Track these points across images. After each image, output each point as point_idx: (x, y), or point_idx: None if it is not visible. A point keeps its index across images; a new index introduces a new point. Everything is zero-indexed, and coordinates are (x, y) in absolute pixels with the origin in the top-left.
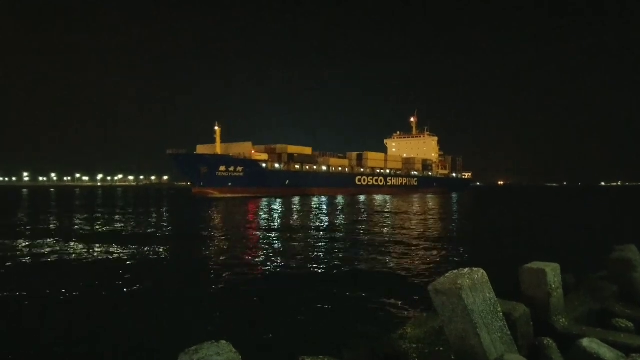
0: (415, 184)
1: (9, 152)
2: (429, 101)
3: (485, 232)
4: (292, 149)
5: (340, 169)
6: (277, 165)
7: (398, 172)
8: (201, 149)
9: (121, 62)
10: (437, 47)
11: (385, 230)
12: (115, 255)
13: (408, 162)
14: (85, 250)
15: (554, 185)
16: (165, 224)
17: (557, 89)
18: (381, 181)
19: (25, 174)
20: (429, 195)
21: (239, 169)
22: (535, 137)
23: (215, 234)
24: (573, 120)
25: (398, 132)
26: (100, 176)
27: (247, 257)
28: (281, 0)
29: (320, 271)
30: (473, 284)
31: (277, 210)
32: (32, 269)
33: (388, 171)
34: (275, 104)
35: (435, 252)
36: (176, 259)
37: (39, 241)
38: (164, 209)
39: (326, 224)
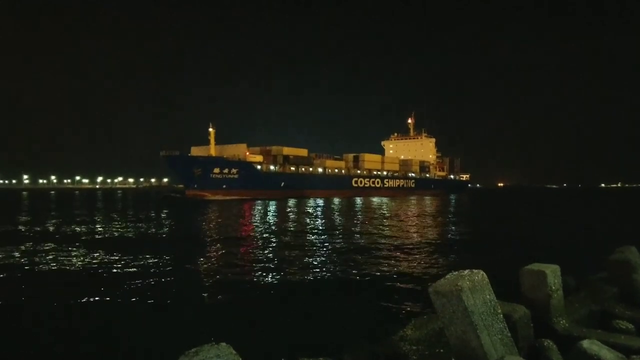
0: (413, 185)
1: (9, 154)
2: (426, 102)
3: (485, 233)
4: (288, 150)
5: (336, 170)
6: (272, 167)
7: (395, 174)
8: (195, 151)
9: (120, 63)
10: (436, 47)
11: (384, 232)
12: (114, 259)
13: (405, 164)
14: (83, 254)
15: (554, 186)
16: (163, 228)
17: (557, 89)
18: (378, 183)
19: (25, 176)
20: (427, 197)
21: (234, 171)
22: (535, 139)
23: (212, 238)
24: (573, 122)
25: (395, 134)
26: (100, 179)
27: (245, 260)
28: (278, 0)
29: (319, 273)
30: (473, 285)
31: (273, 213)
32: (31, 273)
33: (385, 173)
34: (271, 105)
35: (434, 254)
36: (174, 262)
37: (38, 246)
38: (163, 213)
39: (323, 226)
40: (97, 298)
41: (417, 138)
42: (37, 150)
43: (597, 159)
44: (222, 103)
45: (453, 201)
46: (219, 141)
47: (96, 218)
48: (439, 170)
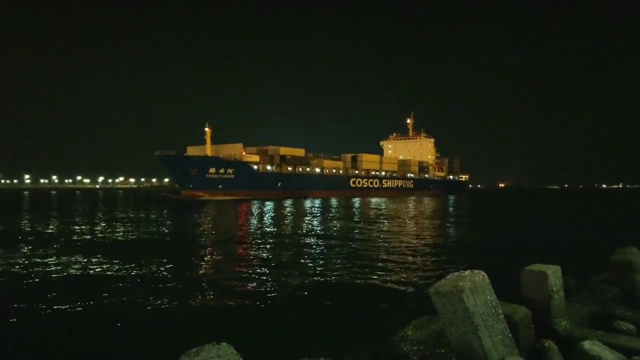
0: (411, 186)
1: (10, 154)
2: (426, 102)
3: (486, 234)
4: (285, 150)
5: (334, 171)
6: (269, 167)
7: (394, 174)
8: (191, 151)
9: (121, 63)
10: (435, 47)
11: (383, 233)
12: (112, 261)
13: (404, 164)
14: (82, 256)
15: (555, 187)
16: (161, 229)
17: (558, 89)
18: (376, 183)
19: (27, 176)
20: (426, 198)
21: (230, 170)
22: (537, 139)
23: (211, 239)
24: (574, 122)
25: (394, 134)
26: (101, 178)
27: (244, 261)
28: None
29: (318, 274)
30: (474, 286)
31: (270, 213)
32: (31, 273)
33: (383, 173)
34: (268, 104)
35: (435, 255)
36: (173, 263)
37: (38, 247)
38: (160, 214)
39: (322, 227)
40: (97, 299)
41: (416, 138)
42: (39, 150)
43: (599, 159)
44: (215, 103)
45: (452, 202)
46: (216, 141)
47: (96, 220)
48: (438, 171)
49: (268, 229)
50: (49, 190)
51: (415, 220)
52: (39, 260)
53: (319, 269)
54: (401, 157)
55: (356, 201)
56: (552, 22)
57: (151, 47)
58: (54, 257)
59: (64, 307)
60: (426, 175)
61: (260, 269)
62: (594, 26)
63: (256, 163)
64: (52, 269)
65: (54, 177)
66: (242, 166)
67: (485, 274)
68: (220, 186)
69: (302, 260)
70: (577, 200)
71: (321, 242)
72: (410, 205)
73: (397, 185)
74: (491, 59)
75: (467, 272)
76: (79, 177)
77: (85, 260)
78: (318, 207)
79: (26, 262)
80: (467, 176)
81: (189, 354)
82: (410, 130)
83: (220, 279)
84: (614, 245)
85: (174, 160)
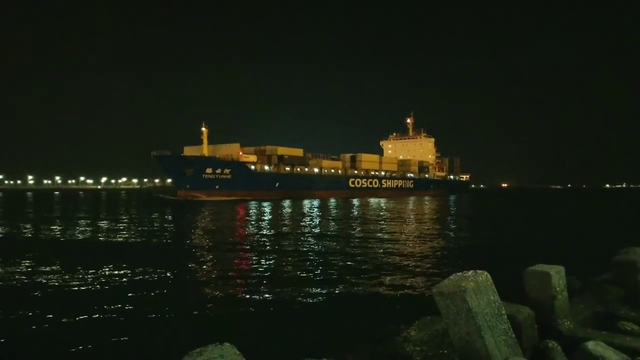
0: (411, 186)
1: (14, 155)
2: (426, 102)
3: (488, 234)
4: (282, 150)
5: (332, 171)
6: (266, 167)
7: (393, 174)
8: (188, 151)
9: (121, 64)
10: (436, 46)
11: (384, 233)
12: (113, 262)
13: (404, 164)
14: (83, 258)
15: (558, 187)
16: (160, 230)
17: (560, 89)
18: (376, 184)
19: (30, 177)
20: (426, 198)
21: (226, 171)
22: (539, 139)
23: (211, 240)
24: (577, 122)
25: (394, 134)
26: (104, 179)
27: (246, 262)
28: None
29: (321, 275)
30: (477, 286)
31: (268, 214)
32: (31, 274)
33: (383, 173)
34: (267, 104)
35: (437, 255)
36: (174, 265)
37: (38, 248)
38: (157, 215)
39: (321, 228)
40: (98, 301)
41: (416, 138)
42: (42, 151)
43: (602, 159)
44: (217, 102)
45: (453, 202)
46: (214, 141)
47: (97, 222)
48: (439, 171)
49: (267, 230)
50: (52, 191)
51: (416, 220)
52: (37, 259)
53: (320, 269)
54: (401, 157)
55: (355, 202)
56: (553, 21)
57: (152, 47)
58: (54, 260)
59: (64, 308)
60: (426, 175)
61: (261, 269)
62: (597, 25)
63: (253, 163)
64: (52, 270)
65: (57, 177)
66: (239, 166)
67: (488, 274)
68: (217, 186)
69: (303, 261)
70: (580, 200)
71: (321, 243)
72: (410, 205)
73: (397, 186)
74: (492, 58)
75: (470, 272)
76: (81, 178)
77: (86, 263)
78: (316, 208)
79: (28, 267)
80: (467, 176)
81: (192, 354)
82: (411, 130)
83: (221, 280)
84: (617, 245)
85: (170, 161)
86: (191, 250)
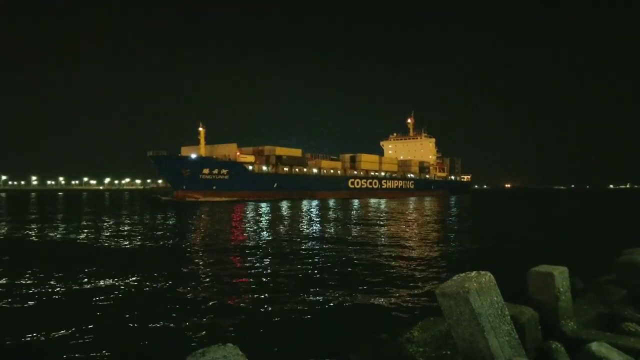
0: (412, 186)
1: (17, 155)
2: (427, 102)
3: (491, 235)
4: (281, 150)
5: (332, 171)
6: (264, 168)
7: (394, 175)
8: (185, 151)
9: (122, 64)
10: (437, 45)
11: (386, 234)
12: (115, 263)
13: (404, 165)
14: (84, 260)
15: (562, 188)
16: (160, 231)
17: (563, 89)
18: (376, 184)
19: (34, 177)
20: (427, 199)
21: (224, 171)
22: (543, 140)
23: (211, 241)
24: (581, 122)
25: (394, 134)
26: (107, 180)
27: (247, 264)
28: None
29: (324, 276)
30: (480, 287)
31: (266, 215)
32: (32, 275)
33: (383, 174)
34: (266, 105)
35: (441, 256)
36: (175, 266)
37: (39, 250)
38: (157, 215)
39: (321, 229)
40: (98, 301)
41: (417, 138)
42: (45, 151)
43: (606, 160)
44: (215, 102)
45: (454, 202)
46: (211, 141)
47: (99, 223)
48: (439, 171)
49: (266, 232)
50: (56, 191)
51: (418, 221)
52: (40, 263)
53: (321, 271)
54: (401, 157)
55: (355, 202)
56: (553, 21)
57: (153, 48)
58: (54, 261)
59: (65, 310)
60: (427, 176)
61: (263, 270)
62: (598, 25)
63: (251, 163)
64: (53, 271)
65: (61, 178)
66: (236, 167)
67: (491, 275)
68: (214, 187)
69: (303, 263)
70: (583, 200)
71: (321, 244)
72: (411, 206)
73: (397, 186)
74: (493, 57)
75: (474, 273)
76: (85, 179)
77: (86, 265)
78: (315, 209)
79: (28, 268)
80: (469, 177)
81: (195, 354)
82: (411, 130)
83: (222, 282)
84: (621, 246)
85: (166, 161)
86: (190, 252)
